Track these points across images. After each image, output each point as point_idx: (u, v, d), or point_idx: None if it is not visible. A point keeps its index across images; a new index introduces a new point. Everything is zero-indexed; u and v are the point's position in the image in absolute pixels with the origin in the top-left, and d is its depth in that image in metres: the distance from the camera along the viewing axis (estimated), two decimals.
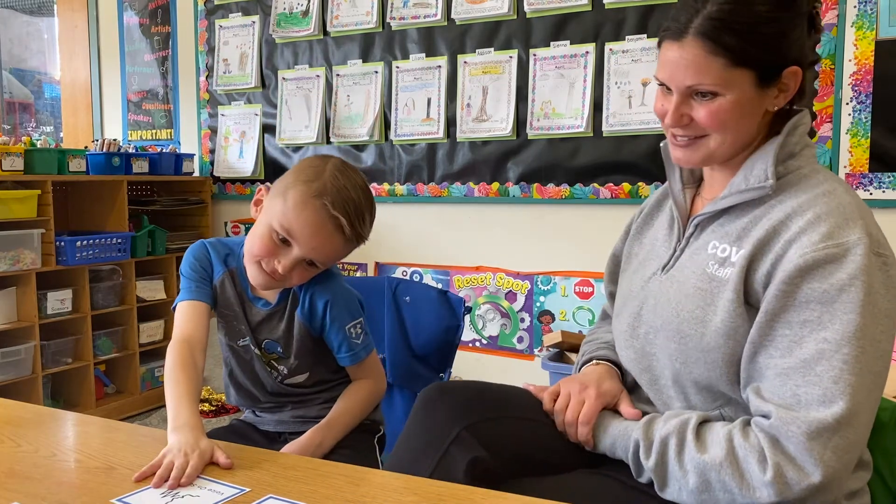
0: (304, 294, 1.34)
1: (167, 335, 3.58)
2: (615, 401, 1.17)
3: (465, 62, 3.06)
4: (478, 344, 3.16)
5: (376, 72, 3.26)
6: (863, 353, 0.95)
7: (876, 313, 0.96)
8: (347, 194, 1.24)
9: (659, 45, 1.11)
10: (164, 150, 3.63)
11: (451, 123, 3.10)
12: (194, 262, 1.37)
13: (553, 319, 3.01)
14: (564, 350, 2.70)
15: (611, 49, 2.78)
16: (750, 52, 1.03)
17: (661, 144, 1.22)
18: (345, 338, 1.35)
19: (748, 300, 1.04)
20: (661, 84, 1.11)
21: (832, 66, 2.46)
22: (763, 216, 1.06)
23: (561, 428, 1.16)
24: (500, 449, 1.11)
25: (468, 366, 3.08)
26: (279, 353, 1.37)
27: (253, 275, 1.30)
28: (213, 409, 3.38)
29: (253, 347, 1.37)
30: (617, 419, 1.14)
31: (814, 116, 2.47)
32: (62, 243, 3.04)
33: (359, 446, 1.38)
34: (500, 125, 2.99)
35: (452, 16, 3.05)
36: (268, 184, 1.36)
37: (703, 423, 1.04)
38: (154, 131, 3.93)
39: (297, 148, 3.49)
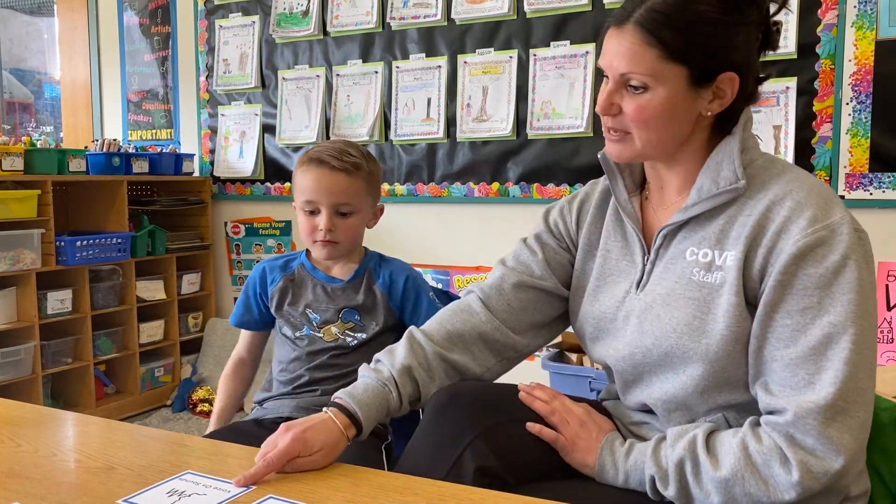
0: (382, 270, 1.58)
1: (167, 335, 3.58)
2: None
3: (465, 62, 3.06)
4: None
5: (376, 72, 3.26)
6: (864, 331, 0.96)
7: (867, 288, 0.98)
8: (327, 145, 1.53)
9: (604, 33, 1.12)
10: (164, 150, 3.63)
11: (451, 123, 3.10)
12: (247, 286, 1.62)
13: None
14: (564, 350, 2.70)
15: None
16: (685, 48, 1.03)
17: (599, 154, 1.20)
18: (430, 302, 1.58)
19: (747, 299, 1.03)
20: (603, 75, 1.11)
21: (832, 66, 2.46)
22: (738, 214, 1.05)
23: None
24: (513, 453, 1.10)
25: None
26: (356, 321, 1.54)
27: (316, 253, 1.56)
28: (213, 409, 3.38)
29: (314, 332, 1.54)
30: (622, 450, 1.09)
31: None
32: (62, 243, 3.04)
33: (367, 454, 1.38)
34: (500, 125, 2.99)
35: (452, 16, 3.05)
36: None
37: (710, 434, 1.02)
38: (154, 131, 3.93)
39: (297, 148, 3.49)
